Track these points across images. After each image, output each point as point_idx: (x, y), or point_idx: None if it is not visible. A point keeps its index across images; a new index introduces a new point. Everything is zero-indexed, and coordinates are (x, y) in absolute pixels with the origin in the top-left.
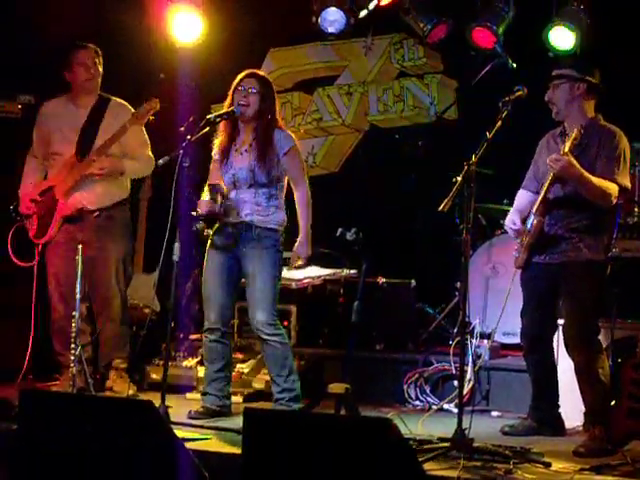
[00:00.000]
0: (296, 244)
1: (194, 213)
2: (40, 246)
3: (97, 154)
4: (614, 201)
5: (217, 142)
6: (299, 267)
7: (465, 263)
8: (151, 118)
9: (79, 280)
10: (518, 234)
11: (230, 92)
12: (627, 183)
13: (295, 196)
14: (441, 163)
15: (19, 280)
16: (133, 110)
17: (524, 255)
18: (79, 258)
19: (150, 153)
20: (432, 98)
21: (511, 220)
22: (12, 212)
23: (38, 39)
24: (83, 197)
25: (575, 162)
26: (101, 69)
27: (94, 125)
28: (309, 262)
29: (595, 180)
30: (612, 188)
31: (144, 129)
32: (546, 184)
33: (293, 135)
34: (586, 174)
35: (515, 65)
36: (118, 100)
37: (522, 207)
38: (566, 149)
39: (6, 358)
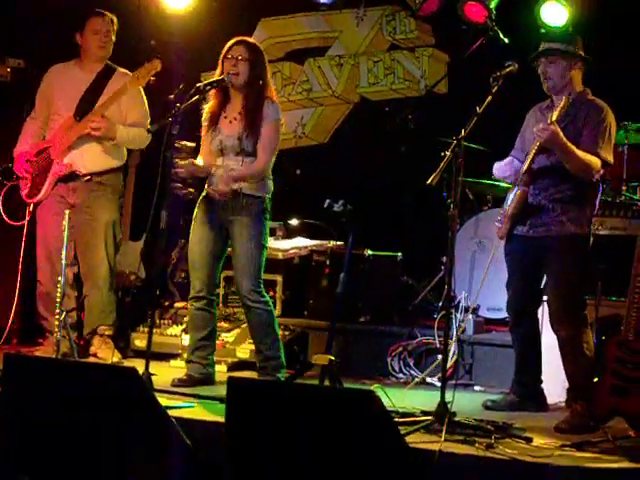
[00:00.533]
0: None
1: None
2: (31, 206)
3: (95, 114)
4: (596, 175)
5: (207, 108)
6: (216, 192)
7: (452, 237)
8: (152, 79)
9: (65, 245)
10: (508, 178)
11: (220, 60)
12: (610, 158)
13: (250, 161)
14: (430, 137)
15: (8, 241)
16: (140, 88)
17: (507, 225)
18: (65, 223)
19: (148, 126)
20: (423, 71)
21: (498, 168)
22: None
23: (27, 3)
24: (77, 159)
25: (561, 132)
26: (114, 38)
27: (97, 90)
28: (224, 196)
29: (579, 152)
30: (595, 162)
31: (146, 100)
32: (531, 154)
33: (280, 107)
34: (571, 145)
35: (507, 40)
36: (124, 70)
37: (510, 171)
38: (554, 118)
39: None
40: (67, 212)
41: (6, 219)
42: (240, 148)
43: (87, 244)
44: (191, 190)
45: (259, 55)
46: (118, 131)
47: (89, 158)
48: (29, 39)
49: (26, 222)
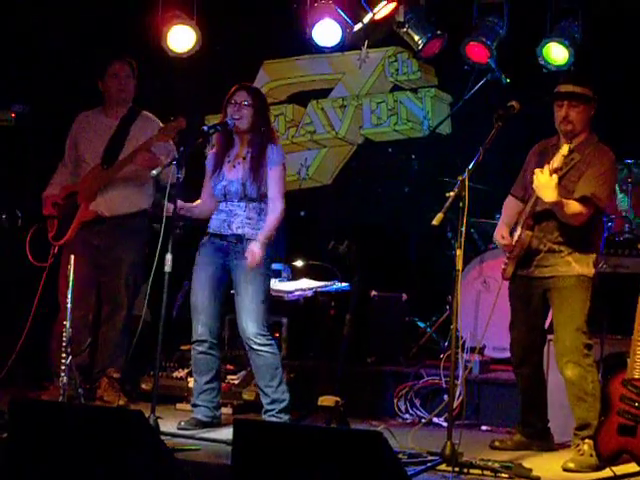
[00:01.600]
0: (254, 242)
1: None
2: (56, 248)
3: (122, 164)
4: (581, 221)
5: (211, 153)
6: (251, 265)
7: (457, 277)
8: (176, 137)
9: (70, 290)
10: (507, 247)
11: (223, 105)
12: (603, 204)
13: (270, 208)
14: (434, 177)
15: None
16: (161, 124)
17: (511, 267)
18: (70, 267)
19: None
20: (426, 112)
21: (499, 234)
22: (5, 221)
23: (34, 49)
24: (101, 204)
25: (555, 186)
26: (135, 81)
27: (122, 135)
28: (255, 263)
29: (570, 204)
30: (580, 210)
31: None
32: (533, 198)
33: (283, 151)
34: (562, 200)
35: (509, 80)
36: (147, 114)
37: (509, 218)
38: (555, 164)
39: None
40: (72, 257)
41: (31, 260)
42: (244, 194)
43: (111, 285)
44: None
45: (262, 100)
46: (162, 159)
47: (114, 202)
48: (34, 84)
49: (48, 265)
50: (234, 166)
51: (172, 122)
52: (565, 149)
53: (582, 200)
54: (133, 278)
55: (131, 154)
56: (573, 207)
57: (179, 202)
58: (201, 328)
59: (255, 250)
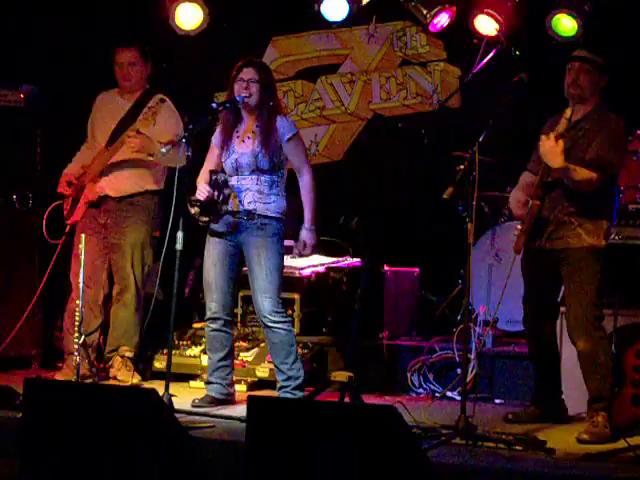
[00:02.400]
0: (302, 231)
1: (193, 198)
2: (68, 227)
3: (116, 147)
4: (592, 188)
5: (218, 129)
6: (305, 255)
7: (468, 250)
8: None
9: (82, 267)
10: (520, 215)
11: (230, 82)
12: (614, 170)
13: (300, 183)
14: (444, 151)
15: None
16: (171, 108)
17: (522, 240)
18: (82, 246)
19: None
20: (435, 86)
21: (515, 198)
22: (15, 202)
23: (42, 29)
24: (107, 184)
25: (561, 151)
26: (148, 64)
27: (132, 118)
28: (315, 249)
29: (578, 170)
30: (589, 176)
31: (179, 118)
32: (542, 168)
33: (293, 121)
34: (570, 167)
35: (518, 52)
36: (159, 95)
37: (525, 187)
38: (559, 129)
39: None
40: (83, 236)
41: (47, 238)
42: (255, 166)
43: (118, 264)
44: (205, 219)
45: (268, 74)
46: (157, 146)
47: (119, 182)
48: (43, 65)
49: (61, 242)
50: (243, 140)
51: (149, 106)
52: (568, 112)
53: (592, 165)
54: (141, 257)
55: (121, 138)
56: (582, 173)
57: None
58: (215, 306)
59: (307, 241)
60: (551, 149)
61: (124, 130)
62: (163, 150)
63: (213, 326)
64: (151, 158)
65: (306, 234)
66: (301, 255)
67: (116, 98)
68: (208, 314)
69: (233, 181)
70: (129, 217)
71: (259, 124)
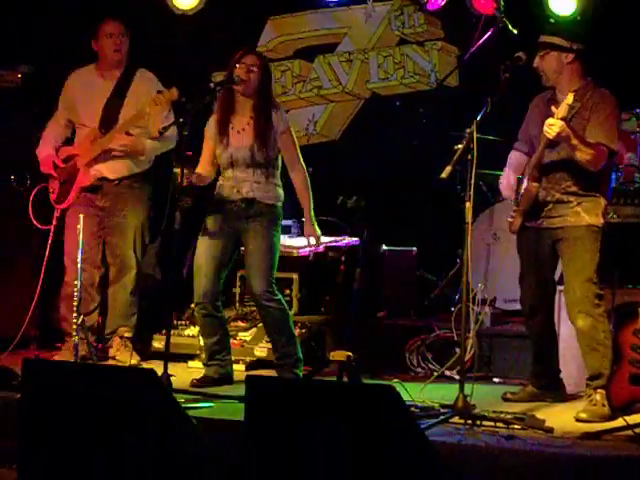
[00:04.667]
0: (306, 228)
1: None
2: (59, 211)
3: (119, 131)
4: (601, 165)
5: (212, 120)
6: (314, 245)
7: (467, 230)
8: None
9: (80, 249)
10: (511, 196)
11: (229, 67)
12: (616, 147)
13: (293, 177)
14: (442, 130)
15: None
16: (157, 82)
17: (518, 220)
18: (80, 227)
19: (173, 131)
20: (433, 65)
21: (507, 180)
22: (13, 182)
23: (37, 8)
24: (104, 168)
25: (568, 127)
26: (128, 40)
27: (119, 98)
28: (319, 240)
29: (586, 145)
30: (601, 153)
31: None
32: (539, 149)
33: (290, 106)
34: (580, 139)
35: (516, 31)
36: (145, 72)
37: (515, 168)
38: (560, 114)
39: (11, 326)
40: (81, 216)
41: (35, 222)
42: (252, 160)
43: (117, 246)
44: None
45: (268, 68)
46: (146, 145)
47: (116, 165)
48: (40, 44)
49: (52, 227)
50: (238, 132)
51: (166, 93)
52: (570, 98)
53: (593, 146)
54: (140, 239)
55: (126, 123)
56: (590, 145)
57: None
58: (202, 290)
59: (312, 233)
60: (562, 126)
61: (114, 110)
62: (161, 129)
63: (202, 312)
64: (142, 158)
65: (308, 228)
66: (311, 246)
67: (95, 77)
68: (196, 299)
69: (228, 174)
70: (129, 199)
71: (254, 116)
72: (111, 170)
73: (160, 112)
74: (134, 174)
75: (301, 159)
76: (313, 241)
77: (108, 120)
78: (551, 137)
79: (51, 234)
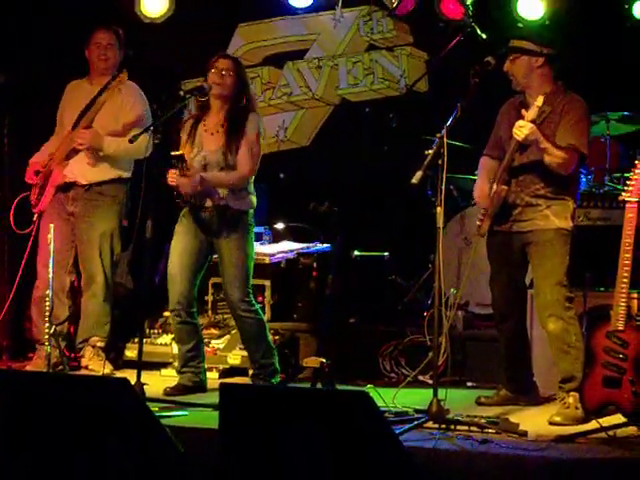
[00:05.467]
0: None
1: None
2: (36, 215)
3: (81, 127)
4: (571, 169)
5: (188, 123)
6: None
7: (438, 234)
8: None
9: (51, 256)
10: (486, 205)
11: (207, 73)
12: (586, 150)
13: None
14: (412, 135)
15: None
16: (137, 88)
17: (487, 223)
18: (51, 236)
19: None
20: (402, 70)
21: (480, 188)
22: None
23: (8, 16)
24: (76, 170)
25: (538, 130)
26: (122, 49)
27: (98, 103)
28: (189, 195)
29: (557, 149)
30: (571, 156)
31: (144, 100)
32: (509, 152)
33: (261, 121)
34: (550, 142)
35: (485, 36)
36: (130, 84)
37: (488, 175)
38: (530, 117)
39: None
40: (52, 226)
41: (14, 228)
42: (225, 163)
43: (85, 254)
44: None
45: (243, 72)
46: (105, 141)
47: (89, 168)
48: (9, 53)
49: (33, 232)
50: (212, 134)
51: (117, 78)
52: (540, 100)
53: (564, 150)
54: (109, 246)
55: (88, 115)
56: (560, 149)
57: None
58: (177, 297)
59: (197, 178)
60: (531, 129)
61: (91, 113)
62: (131, 137)
63: (177, 319)
64: (101, 154)
65: (196, 179)
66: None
67: (84, 85)
68: (171, 306)
69: None
70: (98, 206)
71: (229, 119)
72: (82, 175)
73: (141, 107)
74: (106, 180)
75: (252, 164)
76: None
77: (79, 121)
78: (520, 139)
79: (30, 240)
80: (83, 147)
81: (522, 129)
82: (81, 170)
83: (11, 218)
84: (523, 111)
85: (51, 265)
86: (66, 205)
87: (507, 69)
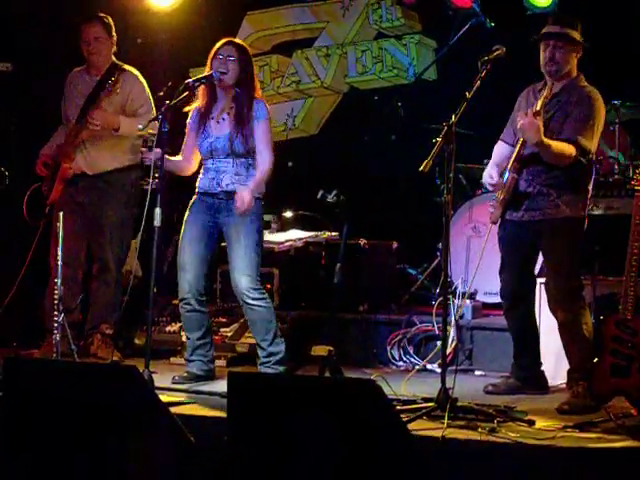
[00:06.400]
0: (240, 187)
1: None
2: (48, 208)
3: (89, 118)
4: (568, 162)
5: (193, 109)
6: (239, 211)
7: (446, 223)
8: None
9: (60, 246)
10: (495, 188)
11: (209, 60)
12: (589, 146)
13: (258, 164)
14: (421, 124)
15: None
16: (142, 79)
17: (499, 211)
18: (60, 225)
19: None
20: (411, 59)
21: (488, 174)
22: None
23: (14, 5)
24: (83, 161)
25: (539, 127)
26: (112, 37)
27: (99, 92)
28: (249, 210)
29: (554, 145)
30: (568, 151)
31: (147, 87)
32: (520, 141)
33: (269, 101)
34: (545, 140)
35: (493, 24)
36: (128, 69)
37: (499, 160)
38: (537, 107)
39: None
40: (60, 214)
41: (28, 220)
42: (231, 150)
43: (96, 242)
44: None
45: (248, 56)
46: (120, 120)
47: (94, 159)
48: (18, 43)
49: (42, 224)
50: (218, 122)
51: (117, 75)
52: (547, 92)
53: (567, 142)
54: (119, 235)
55: (97, 103)
56: (559, 147)
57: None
58: (187, 286)
59: (245, 195)
60: (530, 125)
61: (94, 105)
62: (140, 127)
63: (187, 307)
64: (115, 133)
65: (245, 191)
66: (238, 210)
67: (83, 75)
68: (180, 294)
69: (209, 164)
70: (107, 195)
71: (235, 106)
72: (89, 165)
73: (143, 88)
74: (113, 170)
75: (269, 150)
76: (241, 205)
77: (85, 114)
78: (518, 128)
79: (39, 231)
80: (98, 127)
81: (522, 127)
82: (87, 161)
83: (24, 209)
84: (534, 106)
85: (59, 253)
86: (75, 196)
87: (550, 54)
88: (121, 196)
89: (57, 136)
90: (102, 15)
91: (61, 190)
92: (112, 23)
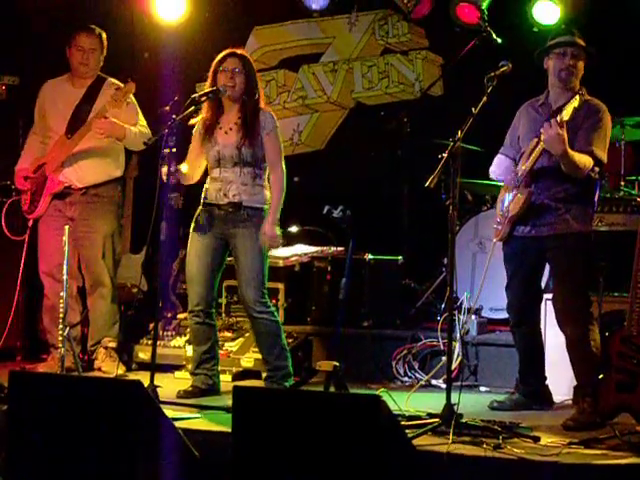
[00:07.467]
0: (264, 225)
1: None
2: (31, 221)
3: (81, 133)
4: (586, 173)
5: (200, 120)
6: (273, 247)
7: (452, 239)
8: (128, 101)
9: (66, 260)
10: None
11: (211, 72)
12: (603, 156)
13: (271, 178)
14: (427, 139)
15: (9, 256)
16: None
17: (507, 227)
18: (65, 239)
19: (146, 128)
20: (417, 74)
21: (497, 165)
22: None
23: (22, 19)
24: (71, 175)
25: (565, 139)
26: (103, 52)
27: (88, 104)
28: (278, 242)
29: (577, 157)
30: (588, 162)
31: (138, 108)
32: (534, 155)
33: (275, 116)
34: (570, 152)
35: (500, 40)
36: (114, 81)
37: (500, 171)
38: (565, 118)
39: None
40: (67, 227)
41: (7, 234)
42: (239, 158)
43: (88, 256)
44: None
45: (251, 66)
46: (126, 129)
47: (83, 172)
48: (25, 55)
49: (26, 237)
50: (226, 132)
51: (122, 88)
52: (577, 101)
53: (584, 154)
54: (110, 247)
55: (88, 122)
56: (582, 159)
57: (181, 171)
58: (196, 298)
59: (269, 232)
60: (557, 136)
61: (82, 116)
62: (146, 140)
63: (196, 319)
64: (119, 143)
65: (269, 227)
66: (270, 247)
67: (66, 86)
68: (190, 306)
69: (215, 174)
70: (96, 209)
71: (242, 116)
72: (78, 178)
73: (120, 106)
74: (102, 182)
75: (282, 162)
76: (270, 243)
77: (75, 125)
78: (547, 146)
79: (25, 246)
80: (104, 135)
81: (551, 138)
82: (76, 173)
83: (3, 224)
84: (559, 117)
85: (65, 268)
86: (64, 211)
87: (569, 64)
88: (110, 208)
89: (30, 148)
90: (99, 29)
91: (47, 204)
92: (106, 39)
